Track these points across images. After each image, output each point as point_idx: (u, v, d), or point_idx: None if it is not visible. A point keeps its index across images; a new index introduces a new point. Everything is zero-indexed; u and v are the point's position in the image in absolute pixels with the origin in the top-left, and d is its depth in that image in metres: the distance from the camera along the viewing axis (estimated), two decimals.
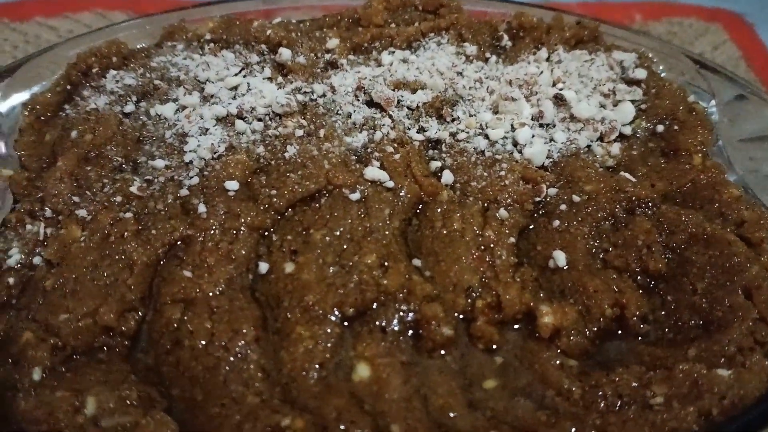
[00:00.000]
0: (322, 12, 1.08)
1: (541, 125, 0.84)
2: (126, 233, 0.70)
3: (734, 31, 1.45)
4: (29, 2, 1.39)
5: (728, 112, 0.92)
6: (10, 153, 0.83)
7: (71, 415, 0.56)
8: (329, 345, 0.63)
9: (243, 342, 0.63)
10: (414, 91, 0.87)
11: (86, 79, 0.90)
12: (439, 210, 0.76)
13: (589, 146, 0.83)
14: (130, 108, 0.85)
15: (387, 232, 0.72)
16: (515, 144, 0.82)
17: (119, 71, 0.91)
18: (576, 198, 0.76)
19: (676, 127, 0.85)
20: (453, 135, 0.83)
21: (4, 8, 1.38)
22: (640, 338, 0.68)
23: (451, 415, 0.61)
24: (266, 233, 0.73)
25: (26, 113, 0.86)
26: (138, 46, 0.98)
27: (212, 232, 0.71)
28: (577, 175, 0.79)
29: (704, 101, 0.93)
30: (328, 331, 0.64)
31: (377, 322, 0.66)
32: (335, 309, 0.66)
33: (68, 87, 0.89)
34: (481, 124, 0.84)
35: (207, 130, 0.80)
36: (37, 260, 0.70)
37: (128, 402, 0.58)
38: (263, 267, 0.69)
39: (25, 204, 0.76)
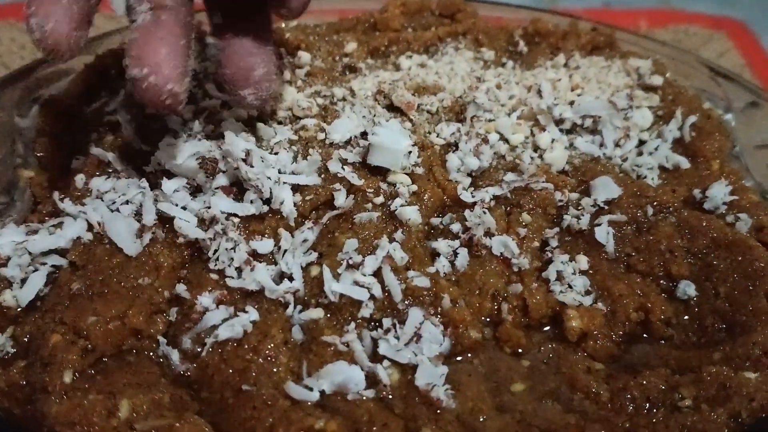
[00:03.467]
0: (335, 16, 1.09)
1: (561, 130, 0.84)
2: (151, 235, 0.70)
3: (738, 39, 1.47)
4: None
5: (742, 119, 0.93)
6: (29, 154, 0.82)
7: (105, 418, 0.56)
8: (357, 347, 0.64)
9: (272, 344, 0.63)
10: (434, 95, 0.88)
11: (104, 81, 0.90)
12: (461, 213, 0.76)
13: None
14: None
15: (411, 235, 0.72)
16: (535, 149, 0.83)
17: None
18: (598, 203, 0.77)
19: (693, 133, 0.87)
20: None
21: (11, 8, 1.38)
22: (664, 341, 0.69)
23: (481, 418, 0.61)
24: (291, 235, 0.73)
25: (44, 114, 0.85)
26: None
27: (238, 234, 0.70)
28: None
29: (718, 108, 0.94)
30: (357, 333, 0.64)
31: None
32: (362, 311, 0.66)
33: (86, 88, 0.89)
34: (500, 129, 0.84)
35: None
36: (60, 262, 0.69)
37: (162, 405, 0.58)
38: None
39: (47, 206, 0.76)
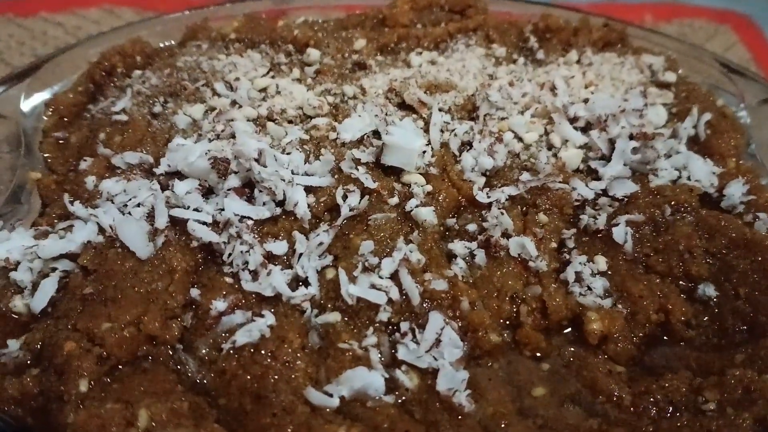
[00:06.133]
0: (342, 11, 1.07)
1: (575, 128, 0.83)
2: (164, 238, 0.68)
3: (743, 33, 1.46)
4: None
5: (755, 116, 0.92)
6: (35, 154, 0.81)
7: (124, 428, 0.54)
8: (376, 352, 0.63)
9: (290, 350, 0.61)
10: (446, 93, 0.86)
11: (110, 79, 0.88)
12: (476, 213, 0.75)
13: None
14: (158, 109, 0.83)
15: (427, 236, 0.71)
16: (550, 147, 0.82)
17: (144, 71, 0.89)
18: (615, 203, 0.76)
19: (708, 131, 0.86)
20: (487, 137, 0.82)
21: (9, 3, 1.35)
22: (685, 343, 0.69)
23: (503, 423, 0.60)
24: (306, 238, 0.71)
25: (49, 113, 0.84)
26: (159, 45, 0.96)
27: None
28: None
29: (731, 104, 0.93)
30: (375, 338, 0.63)
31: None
32: (380, 315, 0.65)
33: (91, 86, 0.87)
34: (514, 127, 0.83)
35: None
36: (71, 266, 0.68)
37: (180, 413, 0.56)
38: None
39: (55, 208, 0.74)
